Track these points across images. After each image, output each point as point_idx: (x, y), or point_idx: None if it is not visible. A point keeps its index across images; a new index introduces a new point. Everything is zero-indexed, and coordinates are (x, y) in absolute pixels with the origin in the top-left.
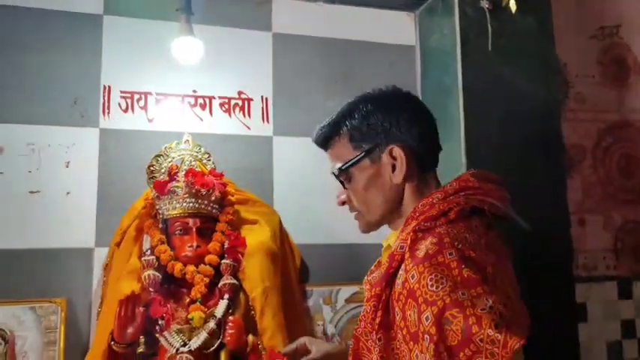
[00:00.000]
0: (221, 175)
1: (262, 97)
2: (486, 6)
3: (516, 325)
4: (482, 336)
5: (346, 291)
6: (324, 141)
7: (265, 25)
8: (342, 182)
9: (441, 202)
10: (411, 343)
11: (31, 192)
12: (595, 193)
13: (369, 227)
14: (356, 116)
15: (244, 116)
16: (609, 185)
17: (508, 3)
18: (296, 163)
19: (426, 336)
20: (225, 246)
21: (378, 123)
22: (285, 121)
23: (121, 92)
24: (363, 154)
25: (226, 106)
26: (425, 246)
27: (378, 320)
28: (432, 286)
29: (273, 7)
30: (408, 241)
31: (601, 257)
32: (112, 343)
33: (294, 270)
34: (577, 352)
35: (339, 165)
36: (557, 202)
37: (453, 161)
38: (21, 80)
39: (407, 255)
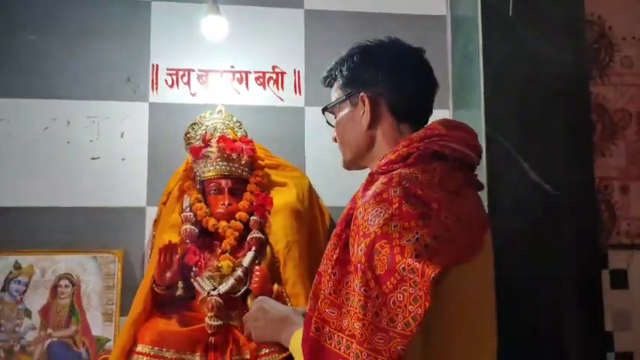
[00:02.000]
0: (250, 142)
1: (295, 70)
2: None
3: (441, 256)
4: (404, 265)
5: None
6: (326, 83)
7: (298, 3)
8: (327, 121)
9: (403, 148)
10: (354, 274)
11: (92, 158)
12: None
13: (346, 165)
14: (346, 64)
15: (278, 89)
16: None
17: None
18: (326, 131)
19: (359, 265)
20: (254, 204)
21: (359, 71)
22: (316, 93)
23: (167, 70)
24: (343, 98)
25: (261, 79)
26: (375, 186)
27: (335, 257)
28: (370, 220)
29: None
30: (364, 183)
31: None
32: (154, 285)
33: (322, 230)
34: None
35: (325, 105)
36: (582, 168)
37: (473, 126)
38: (83, 62)
39: (359, 195)
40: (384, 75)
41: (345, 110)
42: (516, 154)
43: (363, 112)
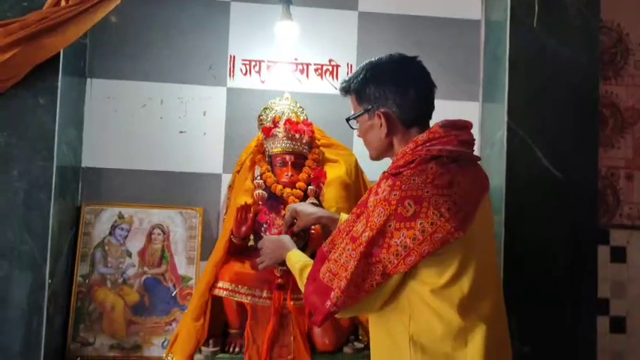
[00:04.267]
0: (311, 124)
1: (348, 63)
2: None
3: (413, 254)
4: (385, 256)
5: None
6: (343, 93)
7: (352, 5)
8: (350, 126)
9: (410, 152)
10: (348, 241)
11: (180, 132)
12: None
13: (372, 159)
14: (359, 81)
15: (333, 79)
16: None
17: None
18: None
19: (360, 245)
20: (311, 177)
21: (371, 92)
22: None
23: (242, 60)
24: (362, 112)
25: (319, 71)
26: (383, 186)
27: (352, 234)
28: (375, 217)
29: None
30: (379, 179)
31: None
32: (232, 236)
33: None
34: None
35: (347, 116)
36: (588, 156)
37: (498, 119)
38: (175, 53)
39: (373, 189)
40: (392, 94)
41: (367, 121)
42: (531, 142)
43: (381, 125)
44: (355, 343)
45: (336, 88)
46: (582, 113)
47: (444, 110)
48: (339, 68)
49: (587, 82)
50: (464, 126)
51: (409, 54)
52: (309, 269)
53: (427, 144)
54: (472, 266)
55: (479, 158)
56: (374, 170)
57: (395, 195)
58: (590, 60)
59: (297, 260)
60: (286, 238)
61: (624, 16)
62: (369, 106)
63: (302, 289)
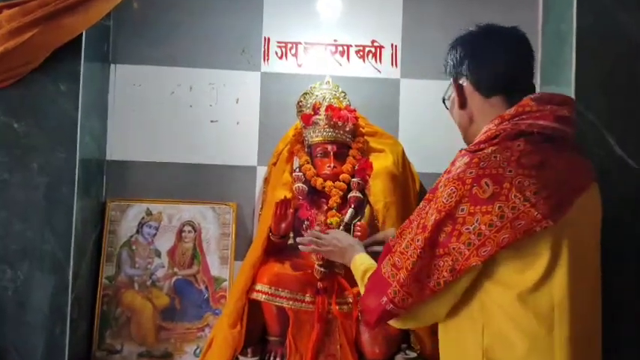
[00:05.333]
0: (354, 111)
1: (392, 44)
2: None
3: (489, 244)
4: (455, 246)
5: None
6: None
7: None
8: (446, 107)
9: (494, 128)
10: (417, 230)
11: (212, 121)
12: None
13: (465, 141)
14: (446, 56)
15: (376, 62)
16: None
17: None
18: (419, 102)
19: (424, 230)
20: (356, 168)
21: (450, 60)
22: (412, 66)
23: (277, 42)
24: (448, 87)
25: (361, 53)
26: (458, 163)
27: (421, 221)
28: (444, 197)
29: None
30: (454, 159)
31: None
32: (270, 234)
33: (413, 193)
34: None
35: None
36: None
37: None
38: (205, 36)
39: (447, 170)
40: (466, 58)
41: (452, 95)
42: (603, 128)
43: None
44: (408, 352)
45: (379, 71)
46: None
47: None
48: (383, 50)
49: None
50: (563, 101)
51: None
52: (372, 271)
53: (515, 119)
54: (565, 268)
55: (582, 145)
56: (422, 161)
57: (471, 173)
58: None
59: (362, 262)
60: (358, 242)
61: None
62: (452, 77)
63: (362, 291)
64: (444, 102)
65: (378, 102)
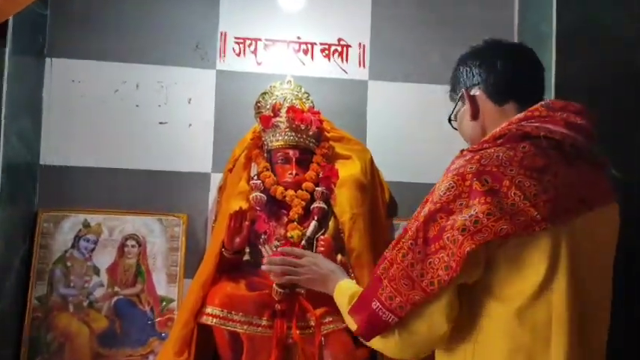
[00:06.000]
0: (318, 113)
1: (360, 43)
2: None
3: (485, 232)
4: (449, 234)
5: None
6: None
7: None
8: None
9: (499, 130)
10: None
11: (160, 123)
12: None
13: None
14: (451, 75)
15: (342, 61)
16: None
17: None
18: (388, 106)
19: (416, 223)
20: (320, 176)
21: (458, 75)
22: (380, 67)
23: (235, 38)
24: (456, 103)
25: (326, 51)
26: (458, 161)
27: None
28: (442, 191)
29: None
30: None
31: None
32: (223, 249)
33: (382, 203)
34: None
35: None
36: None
37: None
38: (153, 28)
39: (447, 168)
40: (477, 68)
41: (460, 110)
42: None
43: (467, 106)
44: None
45: (345, 72)
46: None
47: None
48: (350, 49)
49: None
50: (579, 110)
51: (431, 33)
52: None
53: (523, 122)
54: (564, 279)
55: (605, 159)
56: (391, 169)
57: (471, 168)
58: None
59: (349, 287)
60: (339, 268)
61: None
62: (459, 93)
63: (347, 322)
64: (449, 122)
65: (344, 105)
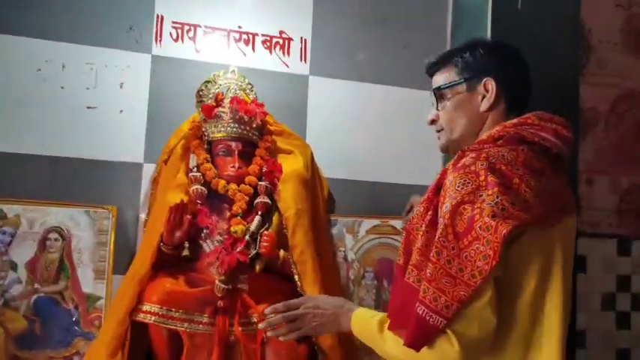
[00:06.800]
0: (262, 105)
1: (302, 38)
2: None
3: (514, 218)
4: (480, 223)
5: (368, 223)
6: (434, 66)
7: None
8: (436, 100)
9: (496, 132)
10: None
11: (88, 107)
12: (605, 156)
13: (447, 146)
14: (466, 51)
15: (284, 55)
16: (619, 149)
17: None
18: (329, 102)
19: (441, 220)
20: (264, 170)
21: (483, 58)
22: (322, 63)
23: (173, 22)
24: (462, 80)
25: (268, 43)
26: (464, 160)
27: (428, 218)
28: (457, 186)
29: None
30: (455, 158)
31: (605, 216)
32: (161, 244)
33: (321, 199)
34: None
35: (439, 84)
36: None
37: None
38: (84, 5)
39: (450, 168)
40: (505, 64)
41: (462, 92)
42: None
43: (484, 97)
44: None
45: (287, 66)
46: (563, 112)
47: (406, 99)
48: (292, 42)
49: (569, 77)
50: (564, 123)
51: (371, 31)
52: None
53: (518, 127)
54: (560, 278)
55: (569, 174)
56: (330, 166)
57: (482, 165)
58: (575, 52)
59: (371, 315)
60: (344, 300)
61: (587, 10)
62: (473, 75)
63: (384, 348)
64: (434, 93)
65: (284, 99)
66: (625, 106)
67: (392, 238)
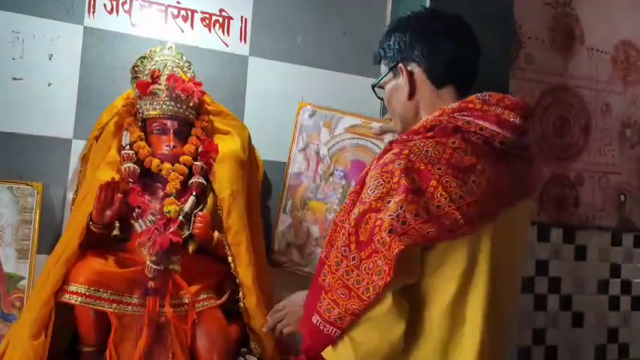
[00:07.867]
0: (200, 84)
1: (242, 17)
2: None
3: (412, 234)
4: (379, 237)
5: (348, 121)
6: (376, 61)
7: None
8: (378, 96)
9: (432, 119)
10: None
11: (14, 78)
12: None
13: (399, 133)
14: (386, 38)
15: (223, 33)
16: (543, 141)
17: None
18: (267, 84)
19: (347, 227)
20: (200, 150)
21: (395, 43)
22: (262, 44)
23: None
24: (386, 71)
25: (207, 21)
26: (386, 157)
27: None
28: (371, 188)
29: None
30: (383, 150)
31: None
32: (90, 223)
33: (256, 181)
34: None
35: (373, 82)
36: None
37: None
38: None
39: (374, 162)
40: (418, 43)
41: (391, 83)
42: None
43: (404, 83)
44: (248, 357)
45: (226, 45)
46: None
47: (346, 84)
48: (232, 21)
49: (499, 71)
50: (514, 105)
51: (312, 14)
52: None
53: (456, 113)
54: (484, 279)
55: (530, 155)
56: (266, 148)
57: (399, 164)
58: (503, 48)
59: None
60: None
61: (519, 8)
62: (393, 63)
63: None
64: (373, 89)
65: (222, 79)
66: (550, 100)
67: (370, 141)
